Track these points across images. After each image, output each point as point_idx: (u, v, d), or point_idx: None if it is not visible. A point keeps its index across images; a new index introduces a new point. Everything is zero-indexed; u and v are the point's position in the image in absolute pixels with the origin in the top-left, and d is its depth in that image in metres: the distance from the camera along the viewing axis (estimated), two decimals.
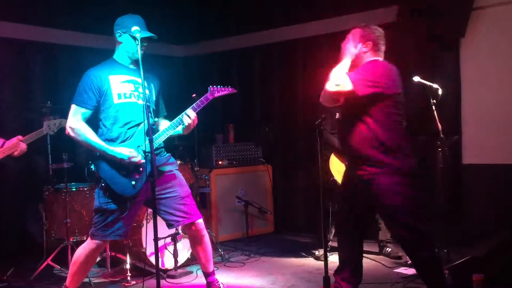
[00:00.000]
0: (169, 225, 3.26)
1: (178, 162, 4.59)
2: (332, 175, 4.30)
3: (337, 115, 4.53)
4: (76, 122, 3.05)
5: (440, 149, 4.04)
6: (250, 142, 5.93)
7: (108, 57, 5.76)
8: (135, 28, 2.99)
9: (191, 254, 4.44)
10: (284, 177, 5.99)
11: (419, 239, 2.94)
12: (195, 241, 3.33)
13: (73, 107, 3.08)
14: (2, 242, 4.19)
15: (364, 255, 4.58)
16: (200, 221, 3.29)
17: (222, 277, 3.95)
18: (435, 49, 4.93)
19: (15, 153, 3.11)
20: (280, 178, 5.99)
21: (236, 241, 5.37)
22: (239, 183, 5.63)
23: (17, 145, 3.07)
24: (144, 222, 4.07)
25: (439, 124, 4.07)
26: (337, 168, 4.37)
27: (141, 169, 3.06)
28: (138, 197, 3.11)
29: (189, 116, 3.16)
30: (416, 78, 4.17)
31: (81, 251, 3.16)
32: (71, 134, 3.06)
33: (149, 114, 3.15)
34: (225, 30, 6.34)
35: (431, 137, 4.61)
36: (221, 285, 3.47)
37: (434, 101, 4.05)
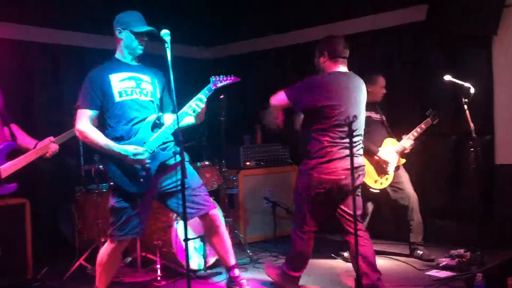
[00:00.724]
0: (183, 218, 3.25)
1: (206, 162, 4.67)
2: None
3: (366, 114, 4.49)
4: (83, 125, 3.08)
5: (472, 149, 3.95)
6: (278, 143, 5.92)
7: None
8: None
9: None
10: None
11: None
12: (210, 232, 3.28)
13: (79, 110, 3.13)
14: (36, 242, 4.27)
15: (394, 257, 4.58)
16: (214, 211, 3.25)
17: (251, 278, 3.95)
18: (466, 47, 4.83)
19: (47, 154, 3.14)
20: None
21: (264, 242, 5.37)
22: (267, 184, 5.62)
23: (49, 146, 3.11)
24: (174, 222, 4.10)
25: (471, 123, 3.99)
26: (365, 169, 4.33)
27: (147, 165, 3.07)
28: (148, 193, 3.14)
29: (196, 106, 3.14)
30: (448, 77, 4.10)
31: (103, 253, 3.21)
32: (80, 137, 3.12)
33: (154, 108, 3.20)
34: (253, 32, 6.35)
35: (463, 137, 4.54)
36: (245, 282, 3.39)
37: (466, 100, 3.97)
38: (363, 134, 3.48)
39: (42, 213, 4.84)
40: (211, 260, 4.31)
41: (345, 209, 3.48)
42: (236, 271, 3.36)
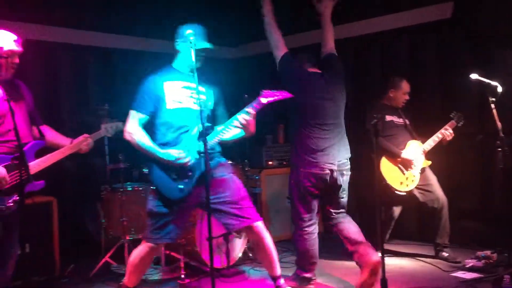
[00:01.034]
0: (229, 226, 3.26)
1: (229, 162, 4.68)
2: (384, 179, 4.22)
3: (388, 118, 4.46)
4: (132, 127, 3.15)
5: (500, 149, 3.87)
6: None
7: (162, 60, 5.92)
8: (192, 38, 3.00)
9: (243, 253, 4.49)
10: None
11: None
12: (257, 245, 3.29)
13: (131, 112, 3.19)
14: (63, 239, 4.36)
15: (420, 258, 4.53)
16: (258, 224, 3.23)
17: None
18: (493, 45, 4.74)
19: (83, 149, 3.26)
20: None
21: (286, 241, 5.35)
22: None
23: (84, 140, 3.24)
24: (198, 221, 4.13)
25: (498, 122, 3.91)
26: (389, 171, 4.29)
27: (189, 173, 3.10)
28: (188, 201, 3.15)
29: (243, 119, 3.11)
30: (474, 76, 4.03)
31: (136, 253, 3.23)
32: (128, 138, 3.17)
33: (203, 118, 3.21)
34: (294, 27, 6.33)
35: (489, 136, 4.45)
36: None
37: (493, 99, 3.89)
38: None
39: (68, 211, 4.91)
40: (235, 258, 4.33)
41: (331, 209, 3.65)
42: (281, 281, 3.38)
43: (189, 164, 3.08)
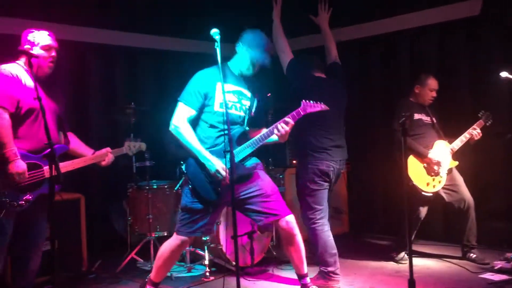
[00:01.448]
0: (257, 222, 3.27)
1: None
2: (411, 180, 4.16)
3: (416, 116, 4.39)
4: (180, 121, 3.15)
5: None
6: None
7: (187, 61, 5.98)
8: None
9: (267, 251, 4.49)
10: (359, 177, 5.89)
11: None
12: (287, 241, 3.29)
13: (180, 105, 3.18)
14: (91, 236, 4.44)
15: (447, 259, 4.46)
16: (290, 218, 3.23)
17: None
18: None
19: (103, 163, 3.31)
20: (355, 178, 5.89)
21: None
22: None
23: (105, 155, 3.28)
24: (222, 219, 4.15)
25: None
26: (415, 172, 4.22)
27: (227, 182, 3.11)
28: (222, 200, 3.19)
29: (282, 128, 3.12)
30: (504, 74, 3.96)
31: (166, 247, 3.27)
32: (173, 131, 3.17)
33: (243, 124, 3.28)
34: (297, 30, 6.32)
35: None
36: None
37: None
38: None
39: (95, 208, 5.00)
40: (259, 256, 4.34)
41: None
42: (308, 279, 3.39)
43: (223, 179, 3.08)
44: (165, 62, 5.91)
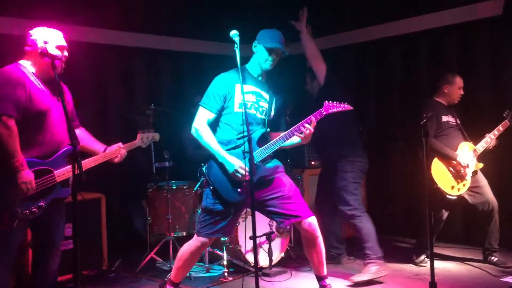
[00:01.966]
0: (279, 223, 3.29)
1: None
2: (435, 183, 4.10)
3: (443, 118, 4.33)
4: (200, 124, 3.21)
5: None
6: None
7: (206, 63, 6.01)
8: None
9: (285, 252, 4.49)
10: (378, 179, 5.84)
11: None
12: (308, 243, 3.27)
13: (200, 108, 3.25)
14: (111, 235, 4.50)
15: (468, 262, 4.40)
16: (312, 220, 3.22)
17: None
18: None
19: (116, 160, 3.17)
20: (373, 180, 5.85)
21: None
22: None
23: (117, 151, 3.16)
24: (240, 220, 4.16)
25: None
26: (440, 174, 4.16)
27: (244, 184, 3.13)
28: (244, 201, 3.20)
29: (305, 128, 3.14)
30: None
31: (187, 248, 3.29)
32: (194, 134, 3.24)
33: (263, 125, 3.29)
34: (320, 29, 6.30)
35: None
36: None
37: None
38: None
39: (115, 208, 5.07)
40: (276, 258, 4.34)
41: None
42: (327, 281, 3.38)
43: (242, 177, 3.09)
44: (184, 63, 5.97)
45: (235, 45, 2.98)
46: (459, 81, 4.37)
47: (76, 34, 4.91)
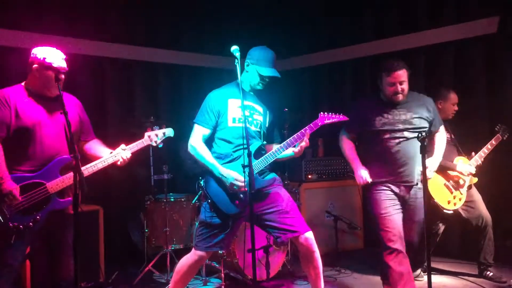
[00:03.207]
0: (276, 238, 3.29)
1: None
2: (432, 198, 4.13)
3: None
4: (196, 141, 3.26)
5: None
6: (339, 157, 5.87)
7: (205, 76, 6.05)
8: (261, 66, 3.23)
9: (283, 266, 4.50)
10: None
11: None
12: (305, 257, 3.29)
13: (195, 126, 3.30)
14: (108, 247, 4.50)
15: (463, 277, 4.42)
16: (309, 235, 3.24)
17: None
18: None
19: (119, 163, 3.04)
20: None
21: (325, 255, 5.31)
22: (328, 198, 5.61)
23: (119, 153, 3.04)
24: (238, 233, 4.18)
25: None
26: (437, 190, 4.20)
27: (241, 195, 3.17)
28: (242, 214, 3.22)
29: (300, 141, 3.21)
30: None
31: (185, 261, 3.30)
32: (191, 151, 3.27)
33: (259, 138, 3.32)
34: (315, 46, 6.40)
35: None
36: None
37: None
38: None
39: (113, 220, 5.07)
40: (274, 271, 4.35)
41: None
42: None
43: (241, 190, 3.13)
44: (183, 77, 6.02)
45: (236, 60, 3.02)
46: (453, 97, 4.42)
47: (75, 46, 4.99)
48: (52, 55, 2.90)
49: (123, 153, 3.05)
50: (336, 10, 6.19)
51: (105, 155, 3.05)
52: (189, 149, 3.27)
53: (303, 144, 3.22)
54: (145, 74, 5.72)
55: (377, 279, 4.51)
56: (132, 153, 3.13)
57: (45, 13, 4.87)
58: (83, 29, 5.09)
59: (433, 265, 4.78)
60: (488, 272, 4.33)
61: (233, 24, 5.97)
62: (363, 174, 3.58)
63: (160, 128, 3.24)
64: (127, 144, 3.16)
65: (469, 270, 4.59)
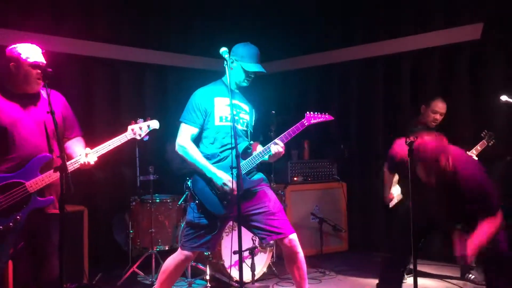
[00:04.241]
0: (261, 240, 3.30)
1: None
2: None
3: None
4: (184, 140, 3.21)
5: None
6: (325, 159, 5.94)
7: (192, 76, 6.04)
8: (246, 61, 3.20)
9: (268, 268, 4.51)
10: (359, 195, 5.94)
11: None
12: (289, 259, 3.28)
13: (182, 125, 3.25)
14: (92, 248, 4.46)
15: (446, 280, 4.48)
16: (293, 237, 3.24)
17: None
18: None
19: (87, 165, 2.86)
20: (355, 196, 5.94)
21: (310, 257, 5.34)
22: (314, 200, 5.64)
23: (82, 157, 2.86)
24: (224, 235, 4.18)
25: None
26: None
27: (229, 197, 3.15)
28: (229, 214, 3.21)
29: (277, 144, 3.20)
30: (504, 97, 4.01)
31: (171, 261, 3.28)
32: (179, 151, 3.22)
33: (246, 137, 3.31)
34: (303, 49, 6.43)
35: None
36: None
37: None
38: None
39: (98, 221, 5.02)
40: (259, 273, 4.36)
41: None
42: None
43: (230, 191, 3.11)
44: (170, 77, 6.00)
45: (225, 62, 3.03)
46: (435, 104, 4.43)
47: (63, 46, 4.95)
48: (27, 51, 2.83)
49: (84, 158, 2.87)
50: (325, 14, 6.23)
51: (74, 159, 2.92)
52: (177, 149, 3.22)
53: (281, 150, 3.18)
54: (132, 74, 5.68)
55: (361, 281, 4.57)
56: (116, 149, 2.98)
57: (32, 11, 4.81)
58: (68, 28, 5.04)
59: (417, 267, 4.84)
60: (470, 275, 4.39)
61: (221, 26, 5.97)
62: None
63: (145, 120, 3.07)
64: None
65: (452, 272, 4.65)
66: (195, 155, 3.19)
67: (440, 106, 4.45)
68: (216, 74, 3.41)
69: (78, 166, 2.87)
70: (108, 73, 5.47)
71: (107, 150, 2.94)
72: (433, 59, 5.35)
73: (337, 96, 6.26)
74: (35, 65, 2.78)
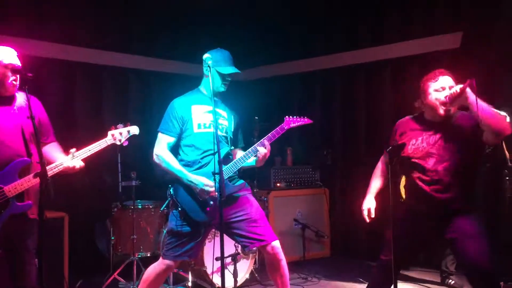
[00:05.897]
0: (244, 247, 3.30)
1: None
2: (402, 197, 4.19)
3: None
4: (160, 150, 3.23)
5: (508, 178, 3.90)
6: (308, 165, 5.96)
7: (175, 82, 6.03)
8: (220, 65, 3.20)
9: (250, 274, 4.51)
10: (342, 201, 5.97)
11: None
12: (272, 266, 3.27)
13: (159, 134, 3.27)
14: (73, 254, 4.40)
15: (426, 285, 4.53)
16: (276, 244, 3.24)
17: None
18: (505, 74, 4.80)
19: (73, 170, 2.85)
20: (337, 202, 5.98)
21: (292, 263, 5.36)
22: (296, 206, 5.66)
23: (71, 157, 2.83)
24: (206, 241, 4.16)
25: (506, 152, 3.95)
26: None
27: (211, 202, 3.16)
28: (211, 222, 3.21)
29: (263, 146, 3.21)
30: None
31: (152, 270, 3.25)
32: (156, 160, 3.23)
33: (227, 143, 3.31)
34: (285, 56, 6.47)
35: (497, 166, 4.47)
36: None
37: None
38: None
39: (79, 227, 4.95)
40: (241, 279, 4.35)
41: None
42: None
43: (211, 194, 3.12)
44: (153, 83, 5.98)
45: (204, 68, 3.05)
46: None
47: (44, 50, 4.90)
48: (2, 53, 2.80)
49: (69, 162, 2.84)
50: (306, 20, 6.28)
51: (58, 162, 2.88)
52: (155, 158, 3.24)
53: (265, 151, 3.19)
54: (115, 79, 5.64)
55: (343, 285, 4.59)
56: (97, 154, 2.96)
57: (12, 15, 4.76)
58: (50, 32, 5.00)
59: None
60: (450, 280, 4.45)
61: (204, 32, 5.97)
62: None
63: (125, 126, 3.08)
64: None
65: (432, 277, 4.70)
66: (171, 162, 3.19)
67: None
68: (198, 79, 3.42)
69: (58, 171, 2.83)
70: (90, 78, 5.42)
71: (87, 155, 2.93)
72: (414, 67, 5.43)
73: (320, 102, 6.30)
74: (15, 69, 2.74)
